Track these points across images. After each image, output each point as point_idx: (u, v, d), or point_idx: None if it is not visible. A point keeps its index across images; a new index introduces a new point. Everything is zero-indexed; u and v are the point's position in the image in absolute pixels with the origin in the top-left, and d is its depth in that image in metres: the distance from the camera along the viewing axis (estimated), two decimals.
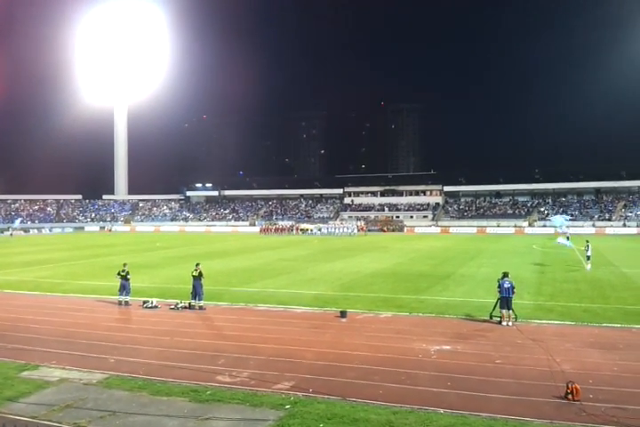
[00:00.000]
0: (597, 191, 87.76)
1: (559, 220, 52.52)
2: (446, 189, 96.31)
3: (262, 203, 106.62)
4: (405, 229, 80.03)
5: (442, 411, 9.77)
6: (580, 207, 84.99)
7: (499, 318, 16.69)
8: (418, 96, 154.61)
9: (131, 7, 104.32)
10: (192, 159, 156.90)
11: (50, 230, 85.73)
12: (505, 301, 16.52)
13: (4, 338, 15.21)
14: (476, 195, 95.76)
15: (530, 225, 78.75)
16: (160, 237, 66.57)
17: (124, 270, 20.45)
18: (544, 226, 72.98)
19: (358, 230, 72.09)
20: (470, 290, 23.07)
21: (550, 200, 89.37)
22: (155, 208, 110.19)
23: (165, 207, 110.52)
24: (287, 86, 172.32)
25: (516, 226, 76.89)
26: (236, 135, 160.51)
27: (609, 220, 77.86)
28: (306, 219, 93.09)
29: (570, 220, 60.25)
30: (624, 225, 73.45)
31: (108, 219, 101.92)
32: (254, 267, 32.78)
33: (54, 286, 25.34)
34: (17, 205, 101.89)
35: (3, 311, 19.38)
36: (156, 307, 19.77)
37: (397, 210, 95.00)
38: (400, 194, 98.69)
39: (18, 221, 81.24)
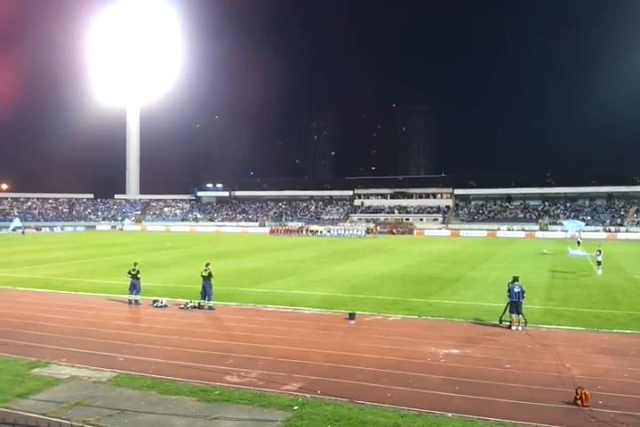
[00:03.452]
0: (609, 196, 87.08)
1: (571, 224, 52.23)
2: (457, 192, 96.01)
3: (272, 204, 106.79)
4: (415, 231, 79.75)
5: (450, 415, 9.75)
6: (591, 212, 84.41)
7: (508, 323, 16.61)
8: (429, 98, 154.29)
9: (144, 7, 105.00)
10: (203, 160, 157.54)
11: (62, 229, 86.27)
12: (515, 305, 16.42)
13: (14, 335, 15.35)
14: (487, 198, 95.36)
15: (541, 229, 78.25)
16: (170, 237, 66.87)
17: (134, 269, 20.57)
18: (562, 230, 72.06)
19: (369, 232, 71.96)
20: (480, 294, 22.97)
21: (562, 204, 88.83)
22: (166, 208, 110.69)
23: (176, 207, 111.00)
24: (299, 87, 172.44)
25: (526, 230, 76.46)
26: (247, 136, 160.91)
27: (621, 225, 77.24)
28: (315, 220, 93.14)
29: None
30: None
31: (119, 218, 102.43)
32: (263, 268, 32.84)
33: (65, 284, 25.54)
34: (29, 203, 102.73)
35: (14, 309, 19.55)
36: (165, 306, 19.86)
37: (407, 212, 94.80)
38: (410, 196, 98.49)
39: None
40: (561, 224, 67.73)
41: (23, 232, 75.30)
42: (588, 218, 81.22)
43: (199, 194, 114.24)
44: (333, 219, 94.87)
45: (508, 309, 16.65)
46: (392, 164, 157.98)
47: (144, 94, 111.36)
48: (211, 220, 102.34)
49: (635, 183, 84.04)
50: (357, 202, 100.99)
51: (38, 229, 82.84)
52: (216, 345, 14.54)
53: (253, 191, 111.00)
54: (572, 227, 51.29)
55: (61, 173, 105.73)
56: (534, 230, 76.43)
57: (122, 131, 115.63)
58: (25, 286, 24.82)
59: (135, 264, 20.90)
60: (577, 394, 10.25)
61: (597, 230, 72.19)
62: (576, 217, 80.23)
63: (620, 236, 69.14)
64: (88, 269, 31.60)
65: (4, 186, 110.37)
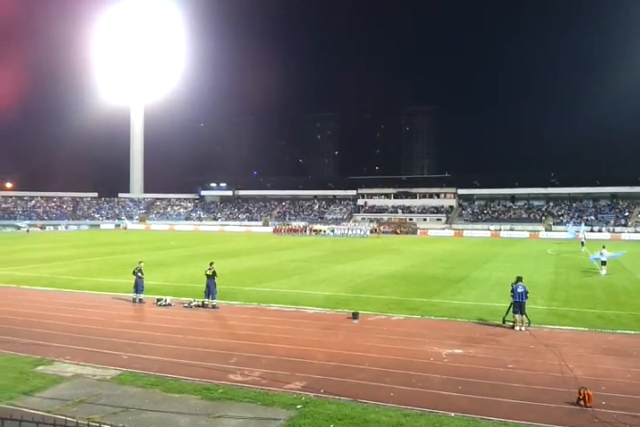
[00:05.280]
0: (613, 196, 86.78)
1: (572, 230, 52.91)
2: (460, 191, 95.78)
3: (276, 203, 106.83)
4: (418, 231, 79.65)
5: (452, 414, 9.76)
6: (595, 212, 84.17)
7: (512, 323, 16.61)
8: (433, 98, 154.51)
9: (148, 6, 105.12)
10: (207, 159, 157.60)
11: (66, 227, 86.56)
12: (518, 305, 16.42)
13: (19, 333, 15.43)
14: (491, 198, 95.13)
15: (545, 230, 78.04)
16: (174, 236, 66.98)
17: (138, 268, 20.65)
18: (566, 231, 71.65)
19: (372, 232, 71.85)
20: (483, 294, 22.97)
21: (566, 205, 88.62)
22: (169, 207, 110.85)
23: (180, 206, 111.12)
24: (302, 87, 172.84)
25: (530, 230, 76.22)
26: (250, 135, 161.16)
27: (625, 225, 77.02)
28: (319, 220, 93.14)
29: (584, 225, 60.02)
30: None
31: (123, 217, 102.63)
32: (267, 267, 32.89)
33: (69, 282, 25.63)
34: (33, 202, 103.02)
35: (18, 307, 19.64)
36: (169, 305, 19.92)
37: (411, 212, 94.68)
38: (414, 196, 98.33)
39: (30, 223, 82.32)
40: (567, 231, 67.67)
41: (28, 230, 75.74)
42: (592, 218, 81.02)
43: (203, 193, 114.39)
44: (337, 218, 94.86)
45: (511, 309, 16.65)
46: (395, 163, 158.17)
47: (148, 93, 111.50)
48: (214, 219, 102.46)
49: (638, 183, 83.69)
50: (361, 201, 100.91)
51: (42, 227, 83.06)
52: (220, 344, 14.58)
53: (257, 191, 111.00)
54: (572, 234, 51.95)
55: (65, 171, 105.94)
56: (538, 231, 76.24)
57: (126, 130, 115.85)
58: (29, 285, 24.91)
59: (140, 263, 20.99)
60: (580, 394, 10.25)
61: (601, 230, 72.11)
62: (580, 217, 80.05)
63: (624, 236, 68.95)
64: (92, 268, 31.69)
65: (9, 185, 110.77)
